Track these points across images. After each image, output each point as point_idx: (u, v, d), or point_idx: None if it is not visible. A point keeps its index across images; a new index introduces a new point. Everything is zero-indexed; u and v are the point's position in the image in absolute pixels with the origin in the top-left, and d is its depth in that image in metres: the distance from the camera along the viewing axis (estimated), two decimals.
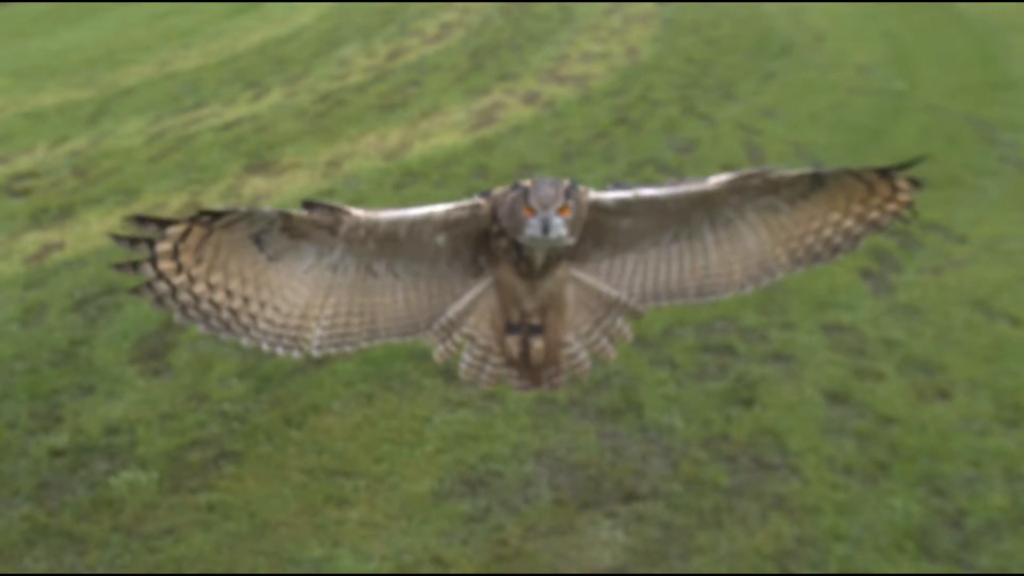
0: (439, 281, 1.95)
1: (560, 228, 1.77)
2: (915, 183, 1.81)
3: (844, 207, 1.85)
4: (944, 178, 5.99)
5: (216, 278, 1.67)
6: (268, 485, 3.29)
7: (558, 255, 1.88)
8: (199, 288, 1.66)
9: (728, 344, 4.08)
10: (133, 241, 1.60)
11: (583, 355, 2.05)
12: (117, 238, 1.60)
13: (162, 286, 1.65)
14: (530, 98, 7.72)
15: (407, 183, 5.99)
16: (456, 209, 1.83)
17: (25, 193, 6.07)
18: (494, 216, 1.88)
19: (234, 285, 1.70)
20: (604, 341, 2.04)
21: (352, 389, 3.80)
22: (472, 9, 11.05)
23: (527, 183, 1.79)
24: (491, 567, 2.92)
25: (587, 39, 9.61)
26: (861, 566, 2.89)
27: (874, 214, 1.85)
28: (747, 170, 1.82)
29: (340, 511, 3.16)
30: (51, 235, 5.38)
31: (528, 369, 2.00)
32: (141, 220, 1.58)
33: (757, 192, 1.84)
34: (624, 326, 2.03)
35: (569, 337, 2.04)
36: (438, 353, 2.00)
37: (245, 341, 1.76)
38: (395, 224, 1.79)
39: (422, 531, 3.06)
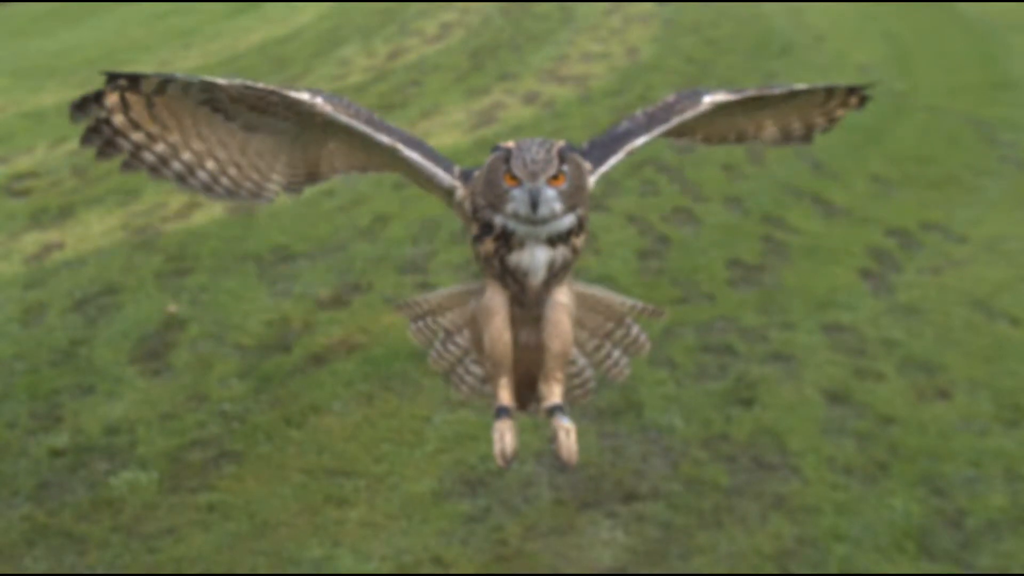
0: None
1: (552, 202, 1.44)
2: (863, 100, 1.81)
3: (781, 118, 1.79)
4: (944, 178, 5.99)
5: (197, 146, 1.49)
6: (268, 485, 3.28)
7: (564, 261, 1.50)
8: (186, 155, 1.49)
9: (728, 344, 4.08)
10: (93, 130, 1.43)
11: (588, 373, 1.74)
12: (75, 113, 1.43)
13: (149, 156, 1.47)
14: (530, 98, 7.72)
15: (407, 182, 5.98)
16: (438, 180, 1.56)
17: (25, 193, 6.07)
18: (473, 207, 1.52)
19: (221, 154, 1.51)
20: (616, 354, 1.72)
21: (352, 389, 3.80)
22: (472, 9, 11.04)
23: (509, 144, 1.47)
24: (491, 567, 2.92)
25: (587, 39, 9.61)
26: (861, 566, 2.89)
27: (797, 123, 1.81)
28: (748, 91, 1.63)
29: (340, 511, 3.16)
30: (51, 235, 5.38)
31: (559, 460, 1.57)
32: (80, 108, 1.42)
33: (734, 105, 1.66)
34: (641, 334, 1.72)
35: (572, 352, 1.68)
36: (411, 331, 1.74)
37: (256, 202, 1.57)
38: (356, 131, 1.52)
39: (422, 531, 3.06)
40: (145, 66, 9.29)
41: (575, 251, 1.50)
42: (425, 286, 4.57)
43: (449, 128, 7.03)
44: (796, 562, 2.91)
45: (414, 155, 1.54)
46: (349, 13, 11.27)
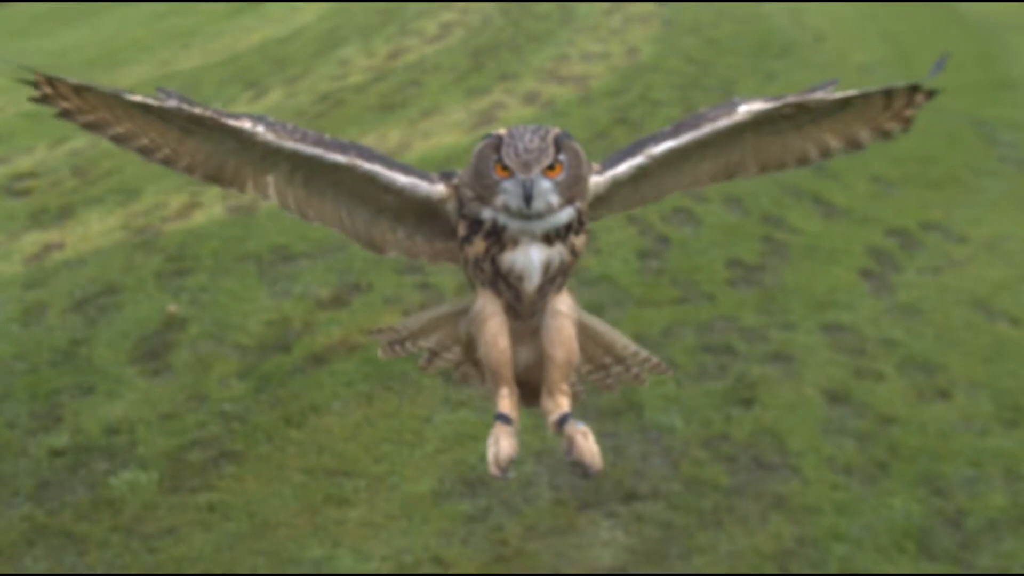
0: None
1: (548, 195, 1.30)
2: (931, 94, 1.56)
3: (843, 130, 1.53)
4: (944, 178, 5.99)
5: (131, 127, 1.44)
6: (268, 485, 3.29)
7: (561, 263, 1.36)
8: (120, 129, 1.45)
9: (728, 344, 4.08)
10: (32, 83, 1.42)
11: (579, 387, 1.62)
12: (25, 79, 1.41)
13: (81, 119, 1.47)
14: (530, 98, 7.72)
15: None
16: (412, 185, 1.40)
17: (25, 193, 6.07)
18: (460, 206, 1.38)
19: (157, 139, 1.44)
20: (609, 381, 1.63)
21: (352, 389, 3.80)
22: (472, 9, 11.04)
23: (502, 131, 1.33)
24: (491, 567, 2.92)
25: (587, 39, 9.61)
26: (861, 566, 2.89)
27: (863, 132, 1.54)
28: (788, 97, 1.46)
29: (340, 511, 3.16)
30: (51, 235, 5.38)
31: (580, 467, 1.43)
32: (29, 79, 1.41)
33: (776, 118, 1.48)
34: (642, 373, 1.60)
35: (576, 362, 1.56)
36: (381, 351, 1.61)
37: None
38: (304, 155, 1.40)
39: (422, 531, 3.06)
40: (145, 66, 9.30)
41: (574, 252, 1.37)
42: (425, 286, 4.57)
43: (449, 128, 7.03)
44: (796, 562, 2.91)
45: (376, 167, 1.39)
46: (349, 13, 11.27)
